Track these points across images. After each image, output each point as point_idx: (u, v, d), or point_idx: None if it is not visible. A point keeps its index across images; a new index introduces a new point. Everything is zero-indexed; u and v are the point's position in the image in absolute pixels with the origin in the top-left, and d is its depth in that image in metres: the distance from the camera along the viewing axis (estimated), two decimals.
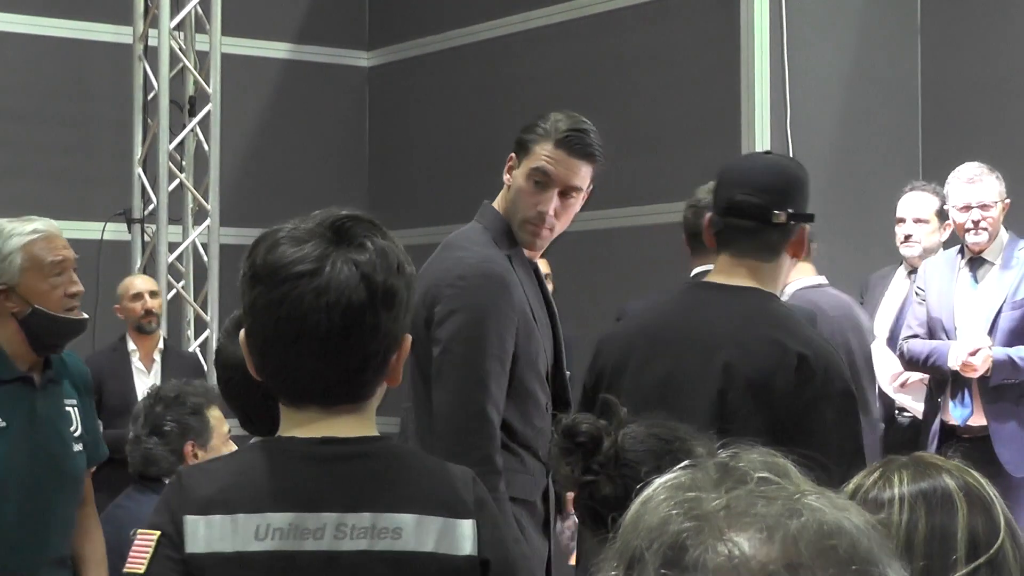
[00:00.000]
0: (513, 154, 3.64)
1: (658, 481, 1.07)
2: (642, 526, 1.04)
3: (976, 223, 5.52)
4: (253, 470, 2.09)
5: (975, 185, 5.54)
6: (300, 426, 2.10)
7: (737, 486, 1.04)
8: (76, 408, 3.80)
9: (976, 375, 5.39)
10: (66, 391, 3.80)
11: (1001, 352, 5.40)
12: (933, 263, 5.75)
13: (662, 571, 1.00)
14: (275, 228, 2.16)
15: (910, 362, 5.64)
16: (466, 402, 3.42)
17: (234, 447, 4.12)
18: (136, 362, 6.71)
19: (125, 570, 2.06)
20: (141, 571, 2.04)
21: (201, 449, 4.12)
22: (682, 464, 1.09)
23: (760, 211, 3.13)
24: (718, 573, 0.99)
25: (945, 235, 6.03)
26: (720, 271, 3.22)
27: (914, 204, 6.06)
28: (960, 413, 5.50)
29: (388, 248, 2.13)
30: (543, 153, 3.56)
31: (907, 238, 6.04)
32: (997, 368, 5.38)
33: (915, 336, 5.65)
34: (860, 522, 1.03)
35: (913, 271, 5.99)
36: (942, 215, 5.94)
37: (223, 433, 4.16)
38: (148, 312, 6.74)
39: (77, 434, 3.78)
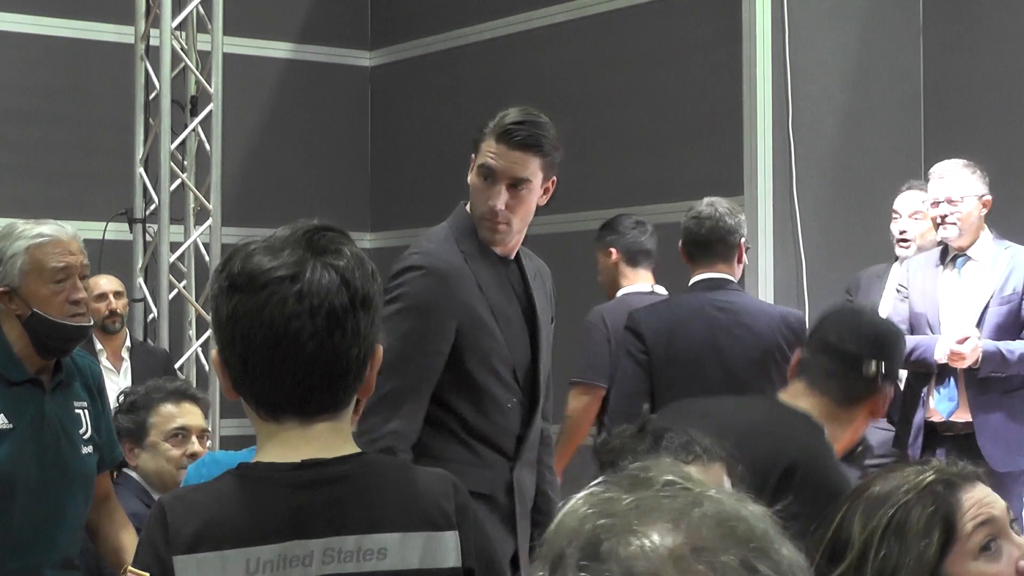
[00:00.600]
0: (473, 152, 3.71)
1: (580, 492, 1.19)
2: (563, 529, 1.14)
3: (944, 217, 5.52)
4: (236, 502, 2.06)
5: (944, 180, 5.56)
6: (279, 444, 2.08)
7: (645, 490, 1.16)
8: (87, 410, 3.79)
9: (964, 364, 5.39)
10: (76, 393, 3.79)
11: (990, 344, 5.40)
12: (915, 261, 5.76)
13: (581, 563, 1.10)
14: (246, 242, 2.12)
15: None
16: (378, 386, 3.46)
17: (175, 450, 4.16)
18: (104, 361, 6.74)
19: None
20: None
21: (137, 447, 4.17)
22: (598, 479, 1.24)
23: (853, 359, 3.22)
24: (631, 560, 1.10)
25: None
26: (789, 394, 3.31)
27: (909, 202, 6.07)
28: (945, 407, 5.51)
29: (362, 255, 2.14)
30: (487, 149, 3.63)
31: (902, 234, 6.05)
32: (986, 360, 5.38)
33: None
34: (756, 510, 1.15)
35: None
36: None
37: (166, 430, 4.20)
38: (112, 313, 6.84)
39: (87, 436, 3.77)
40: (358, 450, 2.13)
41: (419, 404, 3.57)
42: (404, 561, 2.09)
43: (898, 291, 5.72)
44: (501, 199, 3.60)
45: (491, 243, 3.68)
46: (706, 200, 4.88)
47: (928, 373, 5.54)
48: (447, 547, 2.12)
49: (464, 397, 3.63)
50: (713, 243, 4.76)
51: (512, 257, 3.77)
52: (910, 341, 5.56)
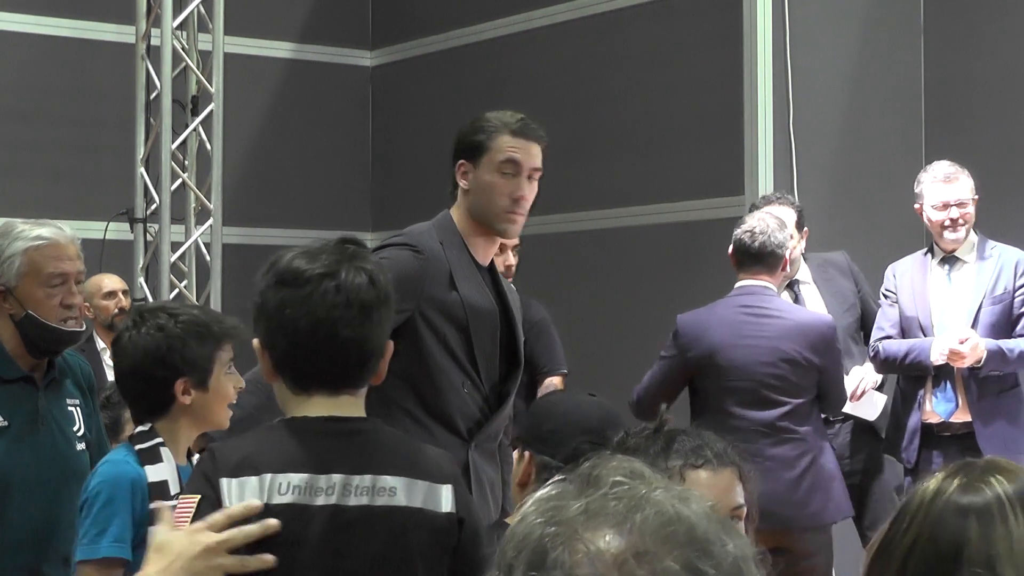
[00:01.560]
0: (463, 160, 3.86)
1: (537, 494, 1.22)
2: (514, 537, 1.18)
3: (955, 220, 5.53)
4: (274, 440, 2.51)
5: (952, 184, 5.55)
6: (309, 409, 2.54)
7: (594, 491, 1.18)
8: (79, 408, 3.81)
9: (965, 364, 5.40)
10: (69, 391, 3.81)
11: (991, 342, 5.42)
12: (900, 265, 5.74)
13: (530, 574, 1.14)
14: (280, 253, 2.56)
15: (885, 362, 5.62)
16: None
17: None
18: (107, 359, 6.77)
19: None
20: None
21: (115, 442, 4.18)
22: (555, 479, 1.24)
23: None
24: (576, 568, 1.12)
25: (802, 245, 5.92)
26: None
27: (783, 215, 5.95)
28: (944, 408, 5.52)
29: (382, 263, 2.66)
30: (506, 145, 3.82)
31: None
32: (989, 358, 5.40)
33: (888, 337, 5.64)
34: (698, 508, 1.17)
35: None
36: (800, 225, 5.88)
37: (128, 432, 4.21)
38: (122, 310, 6.94)
39: (80, 433, 3.79)
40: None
41: None
42: (410, 500, 2.52)
43: (885, 296, 5.71)
44: (526, 189, 3.82)
45: (509, 234, 3.92)
46: (756, 215, 5.29)
47: (923, 376, 5.55)
48: (445, 497, 2.55)
49: (422, 374, 3.75)
50: (763, 256, 5.15)
51: (487, 265, 3.94)
52: (903, 345, 5.57)
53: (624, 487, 1.18)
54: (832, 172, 7.13)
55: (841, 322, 5.70)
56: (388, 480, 2.52)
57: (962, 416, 5.50)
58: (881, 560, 1.78)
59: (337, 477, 2.48)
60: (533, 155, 3.85)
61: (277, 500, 2.45)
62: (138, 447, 3.19)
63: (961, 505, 1.76)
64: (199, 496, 2.44)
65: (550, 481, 1.24)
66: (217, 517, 2.40)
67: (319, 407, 2.54)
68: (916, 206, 5.66)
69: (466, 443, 3.78)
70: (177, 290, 7.42)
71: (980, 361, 5.40)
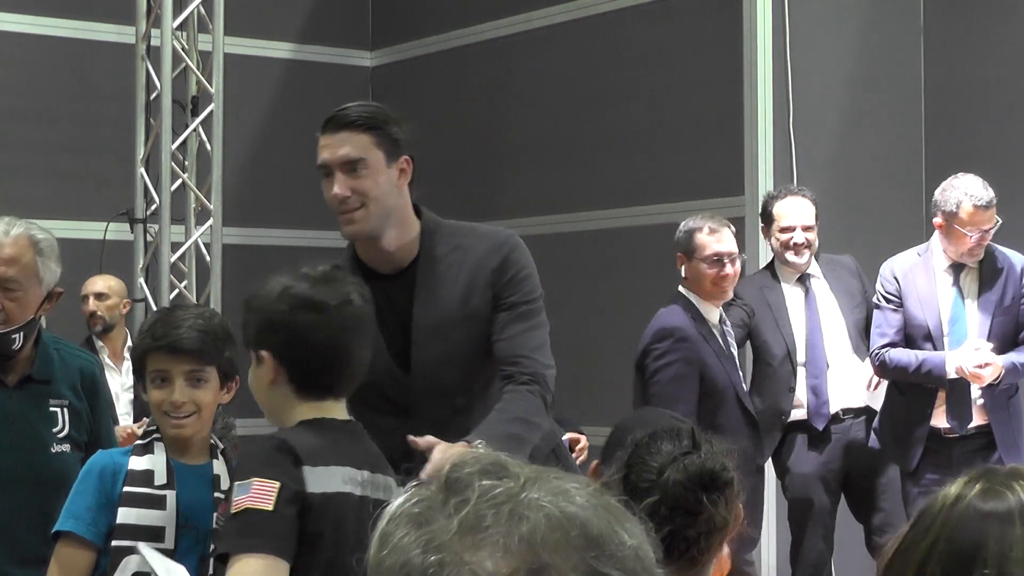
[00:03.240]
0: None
1: (390, 510, 1.11)
2: (385, 568, 1.06)
3: (980, 242, 5.48)
4: (322, 436, 2.79)
5: (990, 211, 5.46)
6: (321, 411, 2.84)
7: (462, 500, 1.07)
8: (65, 408, 3.74)
9: (984, 383, 5.41)
10: (54, 391, 3.73)
11: (1007, 359, 5.43)
12: (900, 265, 5.66)
13: None
14: (284, 280, 2.88)
15: (893, 371, 5.57)
16: None
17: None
18: (106, 360, 6.83)
19: (249, 505, 2.60)
20: (270, 508, 2.61)
21: None
22: (411, 484, 1.14)
23: None
24: None
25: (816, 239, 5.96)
26: None
27: (797, 210, 5.94)
28: (960, 421, 5.50)
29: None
30: (320, 148, 3.47)
31: (795, 246, 5.90)
32: (1005, 374, 5.43)
33: (891, 344, 5.58)
34: (583, 501, 1.07)
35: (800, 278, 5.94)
36: (816, 219, 5.92)
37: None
38: (92, 315, 7.02)
39: (62, 434, 3.71)
40: None
41: None
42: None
43: (887, 299, 5.65)
44: (337, 188, 3.44)
45: (353, 237, 3.52)
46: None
47: (933, 387, 5.52)
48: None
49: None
50: None
51: (405, 266, 3.57)
52: (911, 356, 5.53)
53: (495, 489, 1.07)
54: (832, 172, 7.13)
55: (851, 317, 5.81)
56: (389, 480, 2.88)
57: (975, 421, 5.51)
58: (898, 563, 1.77)
59: (365, 472, 2.81)
60: (335, 146, 3.44)
61: (335, 488, 2.74)
62: (137, 442, 3.30)
63: (982, 510, 1.75)
64: (279, 482, 2.65)
65: (408, 486, 1.15)
66: None
67: (329, 411, 2.86)
68: (939, 221, 5.53)
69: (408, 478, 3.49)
70: (177, 290, 7.42)
71: (999, 379, 5.41)
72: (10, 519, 3.63)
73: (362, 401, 3.30)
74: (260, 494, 2.63)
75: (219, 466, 3.32)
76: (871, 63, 7.26)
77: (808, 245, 5.87)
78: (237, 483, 2.67)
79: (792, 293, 5.91)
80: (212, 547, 3.23)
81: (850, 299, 5.90)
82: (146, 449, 3.25)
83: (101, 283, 7.14)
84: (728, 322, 5.51)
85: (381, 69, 9.32)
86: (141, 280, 7.45)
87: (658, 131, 7.53)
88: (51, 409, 3.72)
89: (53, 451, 3.69)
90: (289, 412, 2.86)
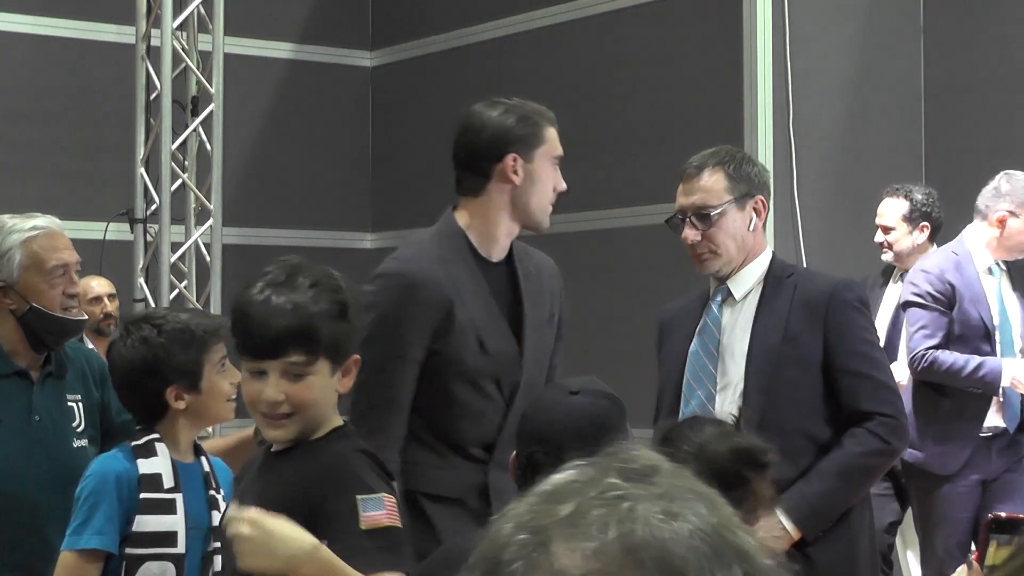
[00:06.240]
0: (515, 155, 3.61)
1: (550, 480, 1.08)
2: (491, 533, 1.06)
3: None
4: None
5: None
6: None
7: (593, 490, 1.04)
8: (80, 403, 3.78)
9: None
10: (69, 386, 3.78)
11: None
12: (948, 268, 5.59)
13: None
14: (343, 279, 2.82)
15: (944, 373, 5.46)
16: (357, 397, 3.41)
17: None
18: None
19: (388, 523, 2.58)
20: (400, 524, 2.60)
21: None
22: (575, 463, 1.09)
23: None
24: None
25: (923, 237, 6.05)
26: None
27: (882, 209, 6.13)
28: (1012, 423, 5.52)
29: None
30: (555, 139, 3.70)
31: (881, 243, 6.13)
32: None
33: (939, 346, 5.49)
34: (687, 529, 1.02)
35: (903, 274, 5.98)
36: (911, 219, 5.98)
37: None
38: (107, 315, 6.93)
39: (80, 429, 3.75)
40: None
41: (398, 413, 3.55)
42: None
43: (937, 300, 5.53)
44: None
45: (543, 228, 3.75)
46: None
47: (983, 392, 5.50)
48: None
49: (435, 404, 3.58)
50: None
51: (504, 258, 3.73)
52: (965, 359, 5.44)
53: (616, 491, 1.04)
54: (832, 172, 7.12)
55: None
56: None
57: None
58: None
59: None
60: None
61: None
62: (134, 444, 3.23)
63: None
64: (394, 498, 2.67)
65: (567, 465, 1.10)
66: None
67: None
68: (1003, 215, 5.55)
69: (483, 464, 3.61)
70: (177, 291, 7.42)
71: None
72: (39, 514, 3.65)
73: (474, 384, 3.59)
74: (392, 510, 2.62)
75: (205, 463, 3.34)
76: (871, 63, 7.26)
77: (887, 245, 6.13)
78: (361, 497, 2.58)
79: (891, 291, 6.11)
80: (212, 545, 3.24)
81: None
82: (148, 451, 3.22)
83: (104, 284, 7.11)
84: None
85: (381, 69, 9.32)
86: (141, 280, 7.45)
87: (658, 131, 7.52)
88: (68, 404, 3.75)
89: (75, 446, 3.73)
90: (332, 418, 2.74)
